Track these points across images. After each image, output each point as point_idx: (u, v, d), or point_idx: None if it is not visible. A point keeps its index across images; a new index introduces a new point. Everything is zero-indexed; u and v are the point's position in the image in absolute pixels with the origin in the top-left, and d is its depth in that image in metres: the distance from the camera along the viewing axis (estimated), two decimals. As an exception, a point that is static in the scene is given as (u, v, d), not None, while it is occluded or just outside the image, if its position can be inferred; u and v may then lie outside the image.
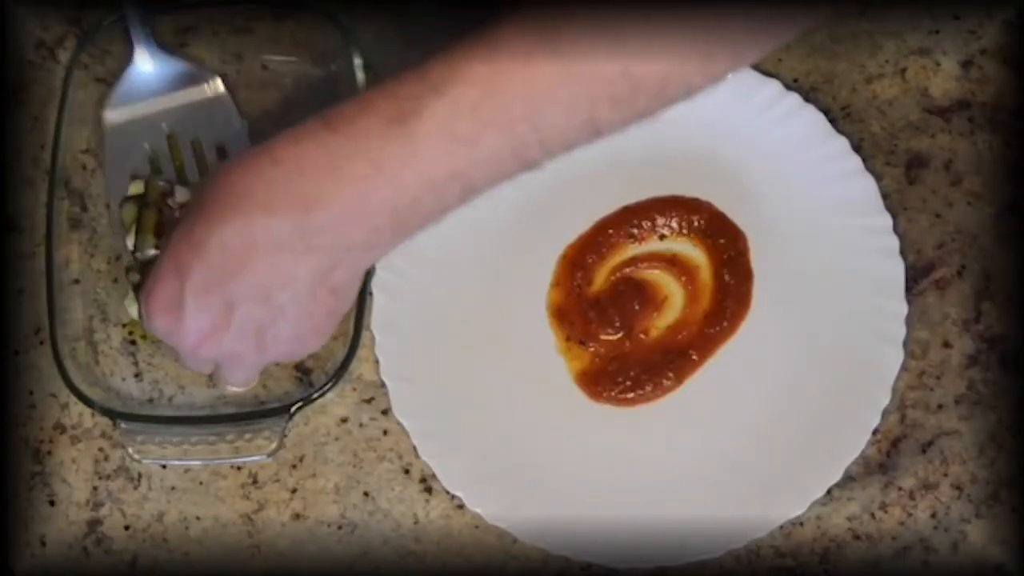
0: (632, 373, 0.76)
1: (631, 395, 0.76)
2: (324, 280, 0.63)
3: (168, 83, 0.79)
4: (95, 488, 0.76)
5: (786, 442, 0.75)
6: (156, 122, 0.79)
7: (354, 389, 0.77)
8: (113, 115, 0.79)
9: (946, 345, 0.77)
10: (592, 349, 0.77)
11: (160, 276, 0.65)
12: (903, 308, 0.75)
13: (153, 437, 0.74)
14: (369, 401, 0.77)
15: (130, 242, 0.75)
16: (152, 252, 0.73)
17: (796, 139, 0.78)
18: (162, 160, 0.78)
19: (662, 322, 0.77)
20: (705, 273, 0.78)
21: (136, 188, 0.76)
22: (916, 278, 0.77)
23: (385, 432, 0.76)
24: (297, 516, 0.75)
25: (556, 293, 0.78)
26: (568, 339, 0.77)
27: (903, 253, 0.76)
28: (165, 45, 0.80)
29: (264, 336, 0.65)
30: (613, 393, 0.76)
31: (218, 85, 0.80)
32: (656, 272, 0.78)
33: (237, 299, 0.64)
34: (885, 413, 0.75)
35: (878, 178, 0.77)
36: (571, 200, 0.78)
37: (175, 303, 0.64)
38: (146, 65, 0.79)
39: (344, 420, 0.77)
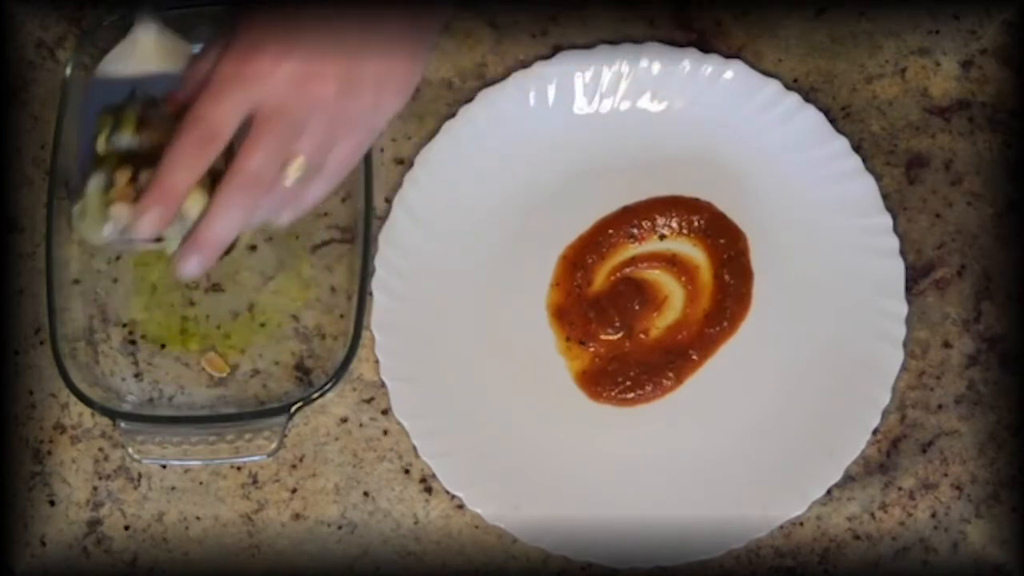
0: (632, 373, 0.76)
1: (631, 395, 0.76)
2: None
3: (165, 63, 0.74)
4: (95, 488, 0.76)
5: (786, 442, 0.75)
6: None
7: (354, 389, 0.77)
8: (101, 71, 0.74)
9: (946, 345, 0.77)
10: (592, 349, 0.77)
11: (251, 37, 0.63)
12: (903, 308, 0.75)
13: (153, 437, 0.74)
14: (369, 401, 0.77)
15: (101, 143, 0.69)
16: (127, 142, 0.67)
17: (796, 139, 0.78)
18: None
19: (662, 322, 0.77)
20: (705, 273, 0.78)
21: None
22: (916, 278, 0.77)
23: (385, 432, 0.76)
24: (297, 516, 0.76)
25: (556, 293, 0.78)
26: (568, 339, 0.77)
27: (903, 253, 0.76)
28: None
29: (352, 76, 0.63)
30: (613, 393, 0.76)
31: None
32: (656, 272, 0.78)
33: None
34: (885, 413, 0.75)
35: (878, 178, 0.77)
36: (571, 200, 0.78)
37: (269, 48, 0.63)
38: (148, 38, 0.75)
39: (344, 420, 0.77)
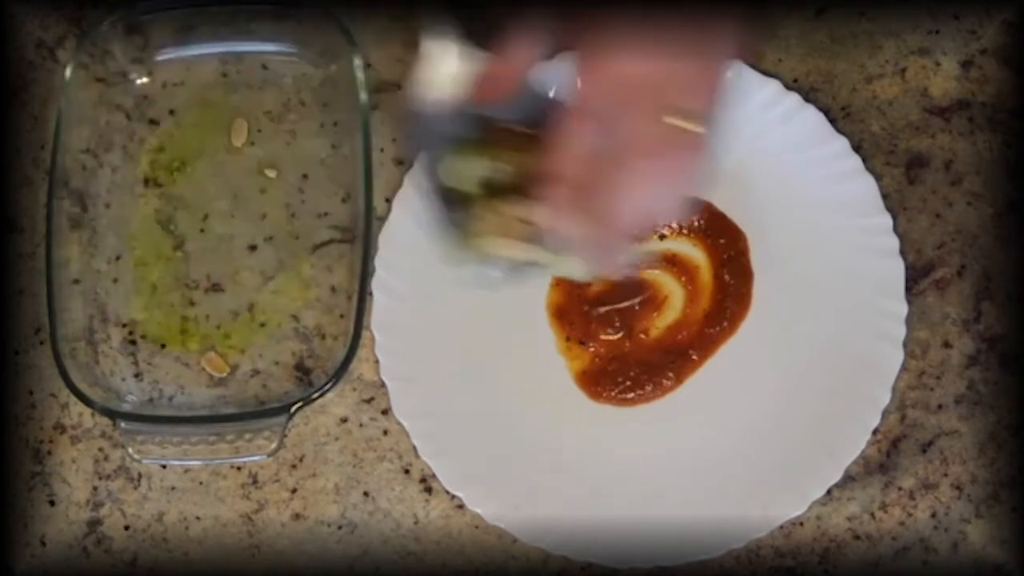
0: (632, 373, 0.76)
1: (631, 395, 0.76)
2: None
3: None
4: (95, 488, 0.76)
5: (786, 442, 0.75)
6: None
7: (354, 389, 0.77)
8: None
9: (946, 345, 0.77)
10: (592, 349, 0.77)
11: None
12: (903, 308, 0.75)
13: (153, 437, 0.74)
14: (369, 401, 0.77)
15: (463, 183, 0.68)
16: (492, 174, 0.66)
17: (796, 139, 0.78)
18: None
19: (662, 322, 0.77)
20: (705, 273, 0.78)
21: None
22: (916, 278, 0.77)
23: (385, 432, 0.76)
24: (297, 516, 0.76)
25: (556, 293, 0.78)
26: (568, 339, 0.77)
27: (903, 253, 0.76)
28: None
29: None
30: (613, 393, 0.76)
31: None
32: (656, 272, 0.78)
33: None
34: (885, 413, 0.75)
35: (878, 178, 0.77)
36: (571, 200, 0.78)
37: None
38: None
39: (344, 420, 0.77)
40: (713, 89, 0.61)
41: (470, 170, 0.68)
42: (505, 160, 0.67)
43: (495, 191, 0.67)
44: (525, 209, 0.65)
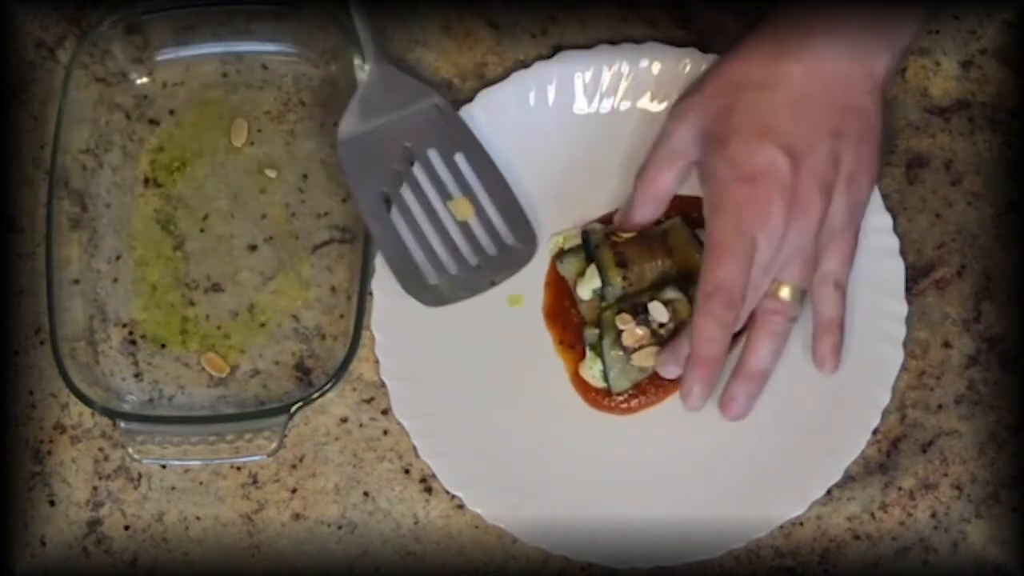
0: (632, 374, 0.76)
1: (634, 402, 0.76)
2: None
3: (396, 99, 0.76)
4: (95, 488, 0.76)
5: (786, 442, 0.75)
6: (392, 139, 0.76)
7: (354, 389, 0.77)
8: (346, 129, 0.75)
9: (946, 345, 0.77)
10: (578, 350, 0.76)
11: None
12: (903, 308, 0.75)
13: (153, 437, 0.74)
14: (369, 401, 0.77)
15: (583, 292, 0.75)
16: (621, 287, 0.73)
17: (796, 139, 0.78)
18: (411, 179, 0.76)
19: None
20: (705, 273, 0.77)
21: (569, 240, 0.76)
22: (916, 278, 0.77)
23: (385, 432, 0.76)
24: (297, 516, 0.76)
25: (547, 294, 0.77)
26: (561, 342, 0.77)
27: (903, 253, 0.76)
28: (394, 59, 0.78)
29: (842, 164, 0.69)
30: (612, 404, 0.76)
31: (438, 98, 0.77)
32: (656, 272, 0.78)
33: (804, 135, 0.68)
34: (885, 413, 0.75)
35: (878, 178, 0.77)
36: (571, 200, 0.78)
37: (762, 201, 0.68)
38: (378, 81, 0.76)
39: (344, 420, 0.77)
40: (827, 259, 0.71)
41: (606, 291, 0.74)
42: (627, 270, 0.74)
43: (621, 304, 0.74)
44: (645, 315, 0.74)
